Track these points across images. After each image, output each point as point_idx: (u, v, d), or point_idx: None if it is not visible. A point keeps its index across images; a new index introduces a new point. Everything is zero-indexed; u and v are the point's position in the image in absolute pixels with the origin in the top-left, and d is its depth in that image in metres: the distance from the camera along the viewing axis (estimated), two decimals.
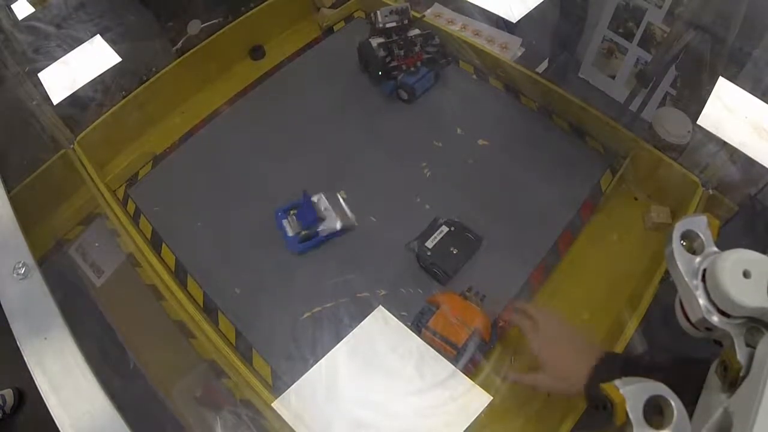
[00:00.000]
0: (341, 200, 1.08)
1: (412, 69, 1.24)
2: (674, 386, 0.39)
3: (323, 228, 1.03)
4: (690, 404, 0.46)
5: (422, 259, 0.99)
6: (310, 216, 1.02)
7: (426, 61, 1.26)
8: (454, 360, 0.85)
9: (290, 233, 1.04)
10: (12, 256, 0.77)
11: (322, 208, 1.05)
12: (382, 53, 1.23)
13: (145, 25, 1.34)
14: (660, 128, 1.06)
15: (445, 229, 1.01)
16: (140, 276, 1.05)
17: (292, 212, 1.06)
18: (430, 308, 0.91)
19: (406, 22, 1.22)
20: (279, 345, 0.92)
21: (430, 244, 0.99)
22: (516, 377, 0.82)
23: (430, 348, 0.81)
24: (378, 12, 1.22)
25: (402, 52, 1.23)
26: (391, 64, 1.24)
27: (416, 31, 1.24)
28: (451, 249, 0.99)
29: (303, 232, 1.02)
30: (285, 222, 1.05)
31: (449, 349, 0.86)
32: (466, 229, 1.02)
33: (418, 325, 0.90)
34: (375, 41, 1.23)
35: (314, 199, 1.06)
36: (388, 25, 1.22)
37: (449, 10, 1.58)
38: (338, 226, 1.03)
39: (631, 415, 0.38)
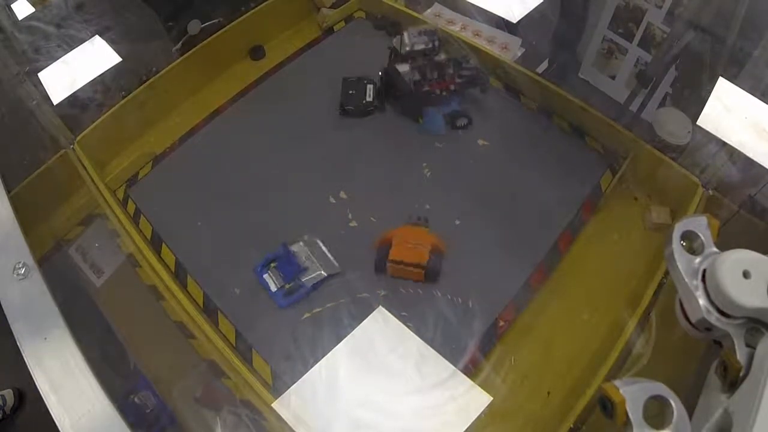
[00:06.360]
0: (321, 246, 1.01)
1: (444, 93, 1.14)
2: None
3: (308, 278, 0.96)
4: None
5: None
6: (291, 268, 0.96)
7: (459, 85, 1.15)
8: (421, 281, 0.93)
9: (273, 288, 0.96)
10: (12, 256, 0.77)
11: (303, 258, 0.98)
12: (416, 76, 1.11)
13: (145, 25, 1.33)
14: (660, 128, 1.06)
15: None
16: (140, 276, 1.05)
17: (272, 265, 0.98)
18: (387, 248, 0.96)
19: (436, 44, 1.12)
20: (279, 345, 0.92)
21: None
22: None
23: (399, 281, 0.94)
24: (405, 34, 1.11)
25: (435, 75, 1.12)
26: (423, 89, 1.14)
27: (443, 56, 1.14)
28: None
29: (287, 286, 0.96)
30: (266, 277, 0.97)
31: (417, 271, 0.93)
32: None
33: (380, 265, 0.94)
34: (402, 67, 1.13)
35: (293, 248, 0.99)
36: (416, 47, 1.11)
37: (449, 10, 1.58)
38: (324, 273, 0.96)
39: (631, 415, 0.38)
